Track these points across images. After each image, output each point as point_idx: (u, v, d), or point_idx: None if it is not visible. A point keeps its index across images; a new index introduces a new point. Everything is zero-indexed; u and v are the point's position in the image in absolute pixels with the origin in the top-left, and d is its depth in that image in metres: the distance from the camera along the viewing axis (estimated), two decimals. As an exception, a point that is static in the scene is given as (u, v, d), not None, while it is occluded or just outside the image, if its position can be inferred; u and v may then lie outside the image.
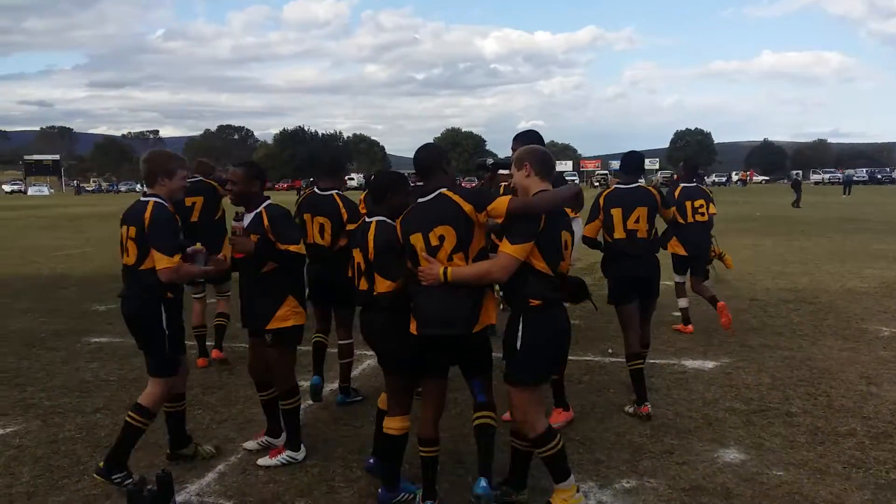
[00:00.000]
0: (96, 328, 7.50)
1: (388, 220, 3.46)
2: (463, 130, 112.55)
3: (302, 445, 4.03)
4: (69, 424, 4.59)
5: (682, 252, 6.90)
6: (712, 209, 7.01)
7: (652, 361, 5.98)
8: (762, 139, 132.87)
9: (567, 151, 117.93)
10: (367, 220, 3.55)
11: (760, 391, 5.15)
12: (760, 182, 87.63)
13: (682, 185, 7.05)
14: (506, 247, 3.09)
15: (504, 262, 3.08)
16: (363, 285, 3.50)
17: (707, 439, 4.26)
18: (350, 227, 4.62)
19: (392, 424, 3.45)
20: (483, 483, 3.22)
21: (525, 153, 3.33)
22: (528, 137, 4.27)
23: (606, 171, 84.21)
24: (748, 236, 16.49)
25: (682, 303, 7.08)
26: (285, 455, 3.94)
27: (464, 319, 3.18)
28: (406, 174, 4.07)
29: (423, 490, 3.41)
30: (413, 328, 3.29)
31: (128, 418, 3.66)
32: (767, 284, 9.78)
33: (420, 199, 3.30)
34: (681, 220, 6.61)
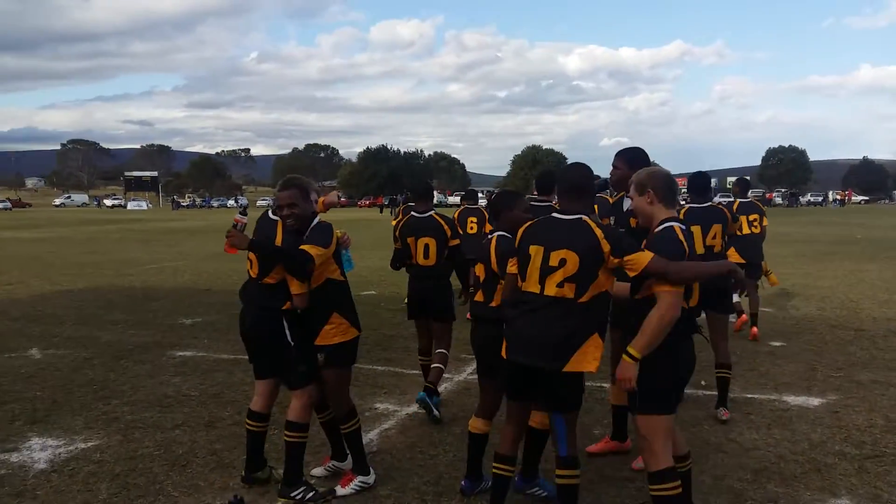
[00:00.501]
0: (182, 342, 7.65)
1: (508, 235, 3.60)
2: (543, 148, 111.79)
3: (371, 469, 3.92)
4: (148, 440, 4.61)
5: (739, 259, 7.30)
6: (765, 222, 7.82)
7: (750, 396, 5.56)
8: (861, 157, 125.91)
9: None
10: (489, 235, 3.80)
11: (873, 434, 4.67)
12: (859, 202, 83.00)
13: (739, 200, 7.87)
14: (665, 286, 2.92)
15: (673, 300, 2.92)
16: (479, 297, 3.75)
17: (815, 487, 3.87)
18: (453, 242, 5.19)
19: (476, 424, 3.77)
20: None
21: (648, 178, 3.14)
22: (634, 155, 4.01)
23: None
24: (849, 261, 15.46)
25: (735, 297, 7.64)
26: (357, 482, 3.85)
27: (554, 353, 3.05)
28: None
29: None
30: (503, 351, 3.22)
31: (286, 437, 3.77)
32: (874, 314, 9.06)
33: (556, 215, 3.22)
34: (738, 233, 7.22)
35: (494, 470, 3.37)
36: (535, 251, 3.13)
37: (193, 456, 4.35)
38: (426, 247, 5.14)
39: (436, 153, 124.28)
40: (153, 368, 6.51)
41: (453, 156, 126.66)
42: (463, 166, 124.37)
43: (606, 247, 3.02)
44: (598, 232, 3.05)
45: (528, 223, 3.30)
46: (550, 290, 3.08)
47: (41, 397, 5.57)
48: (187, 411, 5.24)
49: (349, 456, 4.00)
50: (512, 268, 3.33)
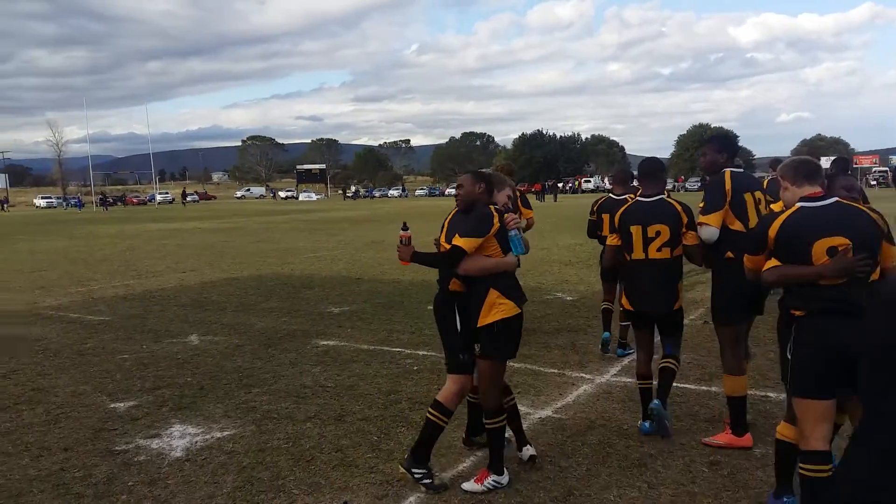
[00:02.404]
0: (327, 331, 7.79)
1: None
2: (712, 126, 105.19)
3: (506, 470, 3.74)
4: (280, 433, 4.63)
5: None
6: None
7: None
8: None
9: (837, 146, 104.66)
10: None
11: None
12: None
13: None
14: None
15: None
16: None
17: None
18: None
19: (786, 431, 3.33)
20: (657, 401, 4.26)
21: (781, 169, 3.36)
22: (720, 141, 4.44)
23: (886, 169, 73.30)
24: None
25: None
26: (490, 480, 3.71)
27: (665, 301, 4.33)
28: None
29: None
30: (626, 303, 4.48)
31: (428, 415, 3.83)
32: None
33: (640, 199, 4.41)
34: None
35: (640, 385, 4.48)
36: (635, 229, 4.31)
37: (319, 451, 4.29)
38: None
39: (593, 136, 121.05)
40: (296, 357, 6.64)
41: (612, 138, 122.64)
42: (622, 149, 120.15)
43: (685, 218, 4.27)
44: (678, 206, 4.28)
45: (623, 208, 4.46)
46: (653, 254, 4.29)
47: (190, 384, 5.83)
48: (321, 403, 5.23)
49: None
50: (614, 241, 4.50)
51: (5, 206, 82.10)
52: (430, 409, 3.83)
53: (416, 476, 3.74)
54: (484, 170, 4.28)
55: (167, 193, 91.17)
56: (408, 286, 10.90)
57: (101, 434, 4.69)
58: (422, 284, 10.89)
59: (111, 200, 75.70)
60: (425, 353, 6.64)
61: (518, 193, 6.04)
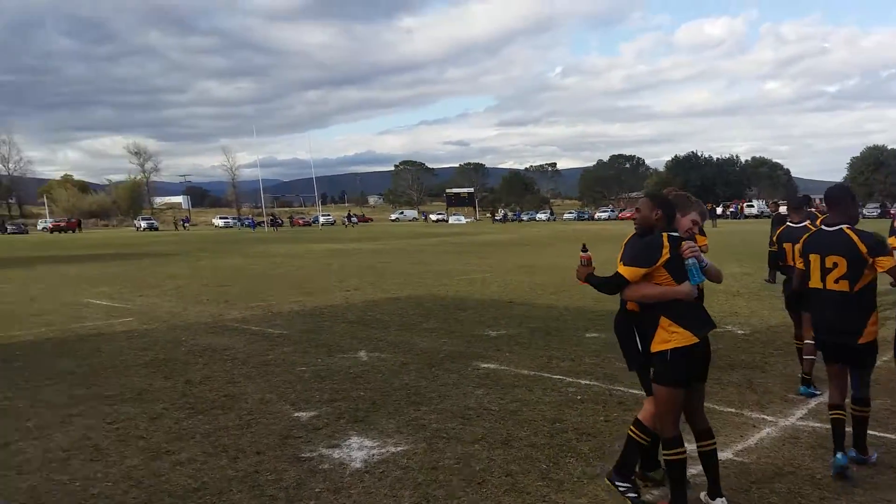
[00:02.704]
0: (486, 353, 7.92)
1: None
2: (889, 148, 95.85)
3: None
4: (450, 452, 4.77)
5: None
6: None
7: None
8: None
9: None
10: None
11: None
12: None
13: None
14: None
15: None
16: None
17: None
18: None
19: None
20: (841, 455, 4.08)
21: None
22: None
23: None
24: None
25: None
26: None
27: (846, 333, 4.14)
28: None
29: None
30: (811, 333, 4.66)
31: (629, 431, 3.94)
32: None
33: (823, 227, 4.29)
34: None
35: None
36: (814, 258, 4.26)
37: (489, 474, 4.37)
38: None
39: (754, 158, 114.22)
40: (459, 378, 6.81)
41: (775, 160, 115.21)
42: (787, 171, 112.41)
43: (863, 248, 4.05)
44: (855, 237, 4.09)
45: (806, 235, 4.45)
46: (830, 285, 4.17)
47: (363, 398, 6.15)
48: (487, 426, 5.33)
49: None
50: (800, 264, 4.49)
51: (186, 224, 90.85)
52: (631, 427, 3.93)
53: (620, 489, 3.86)
54: (676, 191, 4.26)
55: (329, 216, 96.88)
56: (562, 311, 10.83)
57: (287, 441, 5.07)
58: (577, 311, 10.80)
59: (280, 222, 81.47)
60: (587, 382, 6.57)
61: None
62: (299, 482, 4.31)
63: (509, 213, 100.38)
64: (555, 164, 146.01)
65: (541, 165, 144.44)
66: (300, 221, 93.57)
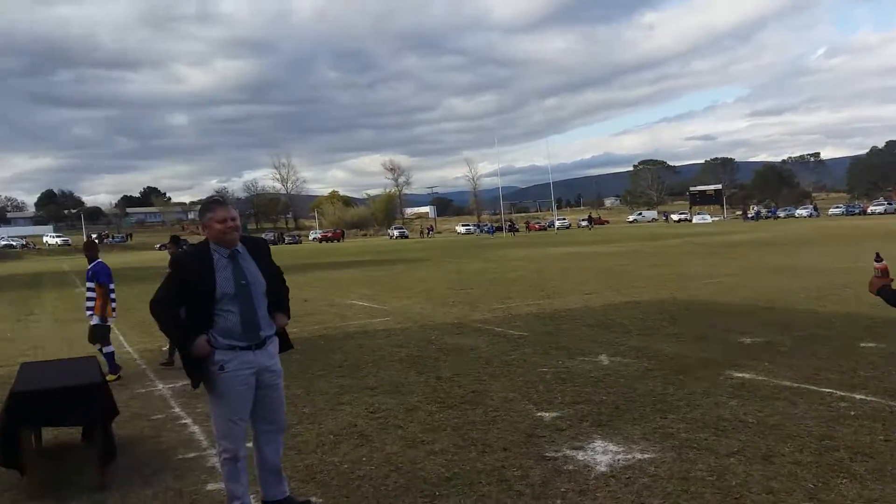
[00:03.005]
0: (740, 362, 7.37)
1: None
2: None
3: None
4: (701, 464, 4.52)
5: None
6: None
7: None
8: None
9: None
10: None
11: None
12: None
13: None
14: None
15: None
16: None
17: None
18: None
19: None
20: None
21: None
22: None
23: None
24: None
25: None
26: None
27: None
28: None
29: None
30: None
31: None
32: None
33: None
34: None
35: None
36: None
37: (747, 490, 4.07)
38: None
39: None
40: (710, 387, 6.42)
41: None
42: None
43: None
44: None
45: None
46: None
47: (606, 402, 6.06)
48: (743, 439, 4.96)
49: None
50: None
51: (431, 232, 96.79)
52: None
53: None
54: None
55: (564, 219, 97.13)
56: (829, 318, 9.71)
57: (532, 439, 5.17)
58: (847, 318, 9.63)
59: (517, 227, 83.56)
60: (862, 396, 5.82)
61: None
62: (544, 480, 4.37)
63: (763, 210, 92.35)
64: (818, 153, 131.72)
65: (801, 156, 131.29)
66: (536, 226, 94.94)
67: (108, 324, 8.45)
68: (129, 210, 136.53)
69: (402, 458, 4.93)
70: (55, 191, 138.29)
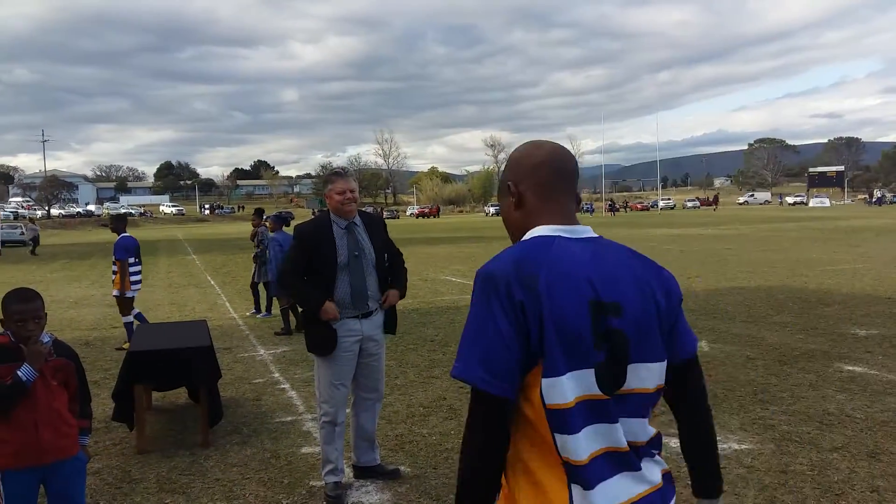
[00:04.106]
0: (852, 354, 6.94)
1: None
2: None
3: None
4: (802, 457, 4.30)
5: None
6: None
7: None
8: None
9: None
10: None
11: None
12: None
13: None
14: None
15: None
16: None
17: None
18: None
19: None
20: None
21: None
22: None
23: None
24: None
25: None
26: None
27: None
28: None
29: None
30: None
31: None
32: None
33: None
34: None
35: None
36: None
37: (850, 487, 3.85)
38: None
39: None
40: (816, 379, 6.08)
41: None
42: None
43: None
44: None
45: None
46: None
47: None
48: (849, 434, 4.68)
49: None
50: None
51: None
52: None
53: None
54: None
55: (669, 199, 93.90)
56: (961, 312, 8.96)
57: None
58: (983, 312, 8.85)
59: (618, 207, 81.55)
60: None
61: None
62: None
63: (888, 195, 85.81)
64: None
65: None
66: (637, 206, 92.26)
67: (129, 295, 8.54)
68: (239, 182, 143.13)
69: (489, 434, 4.96)
70: (173, 162, 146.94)
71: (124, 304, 8.62)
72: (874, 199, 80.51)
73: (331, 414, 4.00)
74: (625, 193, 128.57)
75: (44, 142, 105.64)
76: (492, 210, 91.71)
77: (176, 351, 5.17)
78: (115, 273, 8.51)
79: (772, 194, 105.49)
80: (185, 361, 5.09)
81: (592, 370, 1.41)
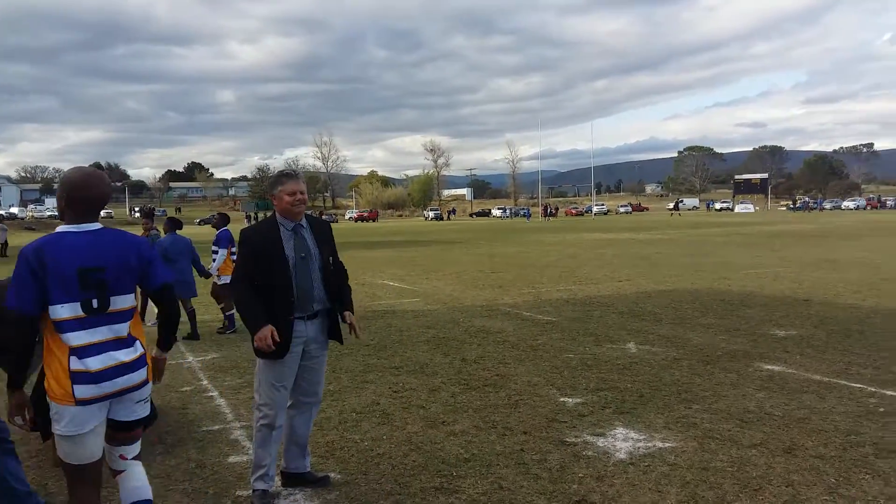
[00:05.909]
0: (771, 354, 7.24)
1: None
2: None
3: None
4: (723, 454, 4.46)
5: None
6: None
7: None
8: None
9: None
10: None
11: None
12: None
13: None
14: None
15: None
16: None
17: None
18: None
19: None
20: None
21: None
22: None
23: None
24: None
25: None
26: None
27: None
28: None
29: None
30: None
31: None
32: None
33: None
34: None
35: None
36: None
37: (767, 482, 4.01)
38: None
39: None
40: (737, 378, 6.32)
41: None
42: None
43: None
44: None
45: None
46: None
47: (630, 389, 6.01)
48: (767, 431, 4.88)
49: None
50: None
51: (452, 215, 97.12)
52: None
53: None
54: None
55: (603, 205, 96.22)
56: (868, 313, 9.47)
57: (553, 424, 5.16)
58: (889, 313, 9.39)
59: (551, 211, 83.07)
60: (893, 393, 5.68)
61: None
62: (562, 465, 4.36)
63: (809, 201, 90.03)
64: (871, 144, 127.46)
65: (854, 146, 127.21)
66: (572, 211, 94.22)
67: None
68: (172, 184, 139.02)
69: (422, 438, 4.96)
70: (102, 163, 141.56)
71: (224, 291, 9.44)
72: (797, 206, 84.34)
73: (270, 416, 3.92)
74: (561, 199, 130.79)
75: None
76: (431, 214, 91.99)
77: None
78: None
79: (699, 200, 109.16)
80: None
81: (79, 302, 2.79)
